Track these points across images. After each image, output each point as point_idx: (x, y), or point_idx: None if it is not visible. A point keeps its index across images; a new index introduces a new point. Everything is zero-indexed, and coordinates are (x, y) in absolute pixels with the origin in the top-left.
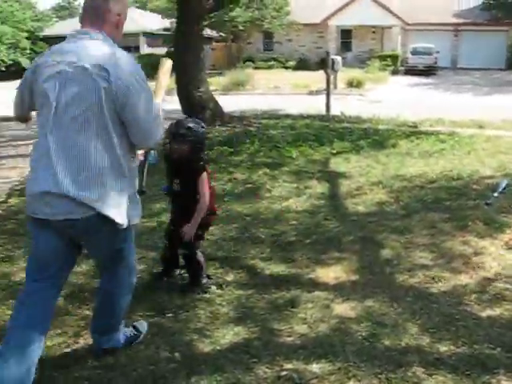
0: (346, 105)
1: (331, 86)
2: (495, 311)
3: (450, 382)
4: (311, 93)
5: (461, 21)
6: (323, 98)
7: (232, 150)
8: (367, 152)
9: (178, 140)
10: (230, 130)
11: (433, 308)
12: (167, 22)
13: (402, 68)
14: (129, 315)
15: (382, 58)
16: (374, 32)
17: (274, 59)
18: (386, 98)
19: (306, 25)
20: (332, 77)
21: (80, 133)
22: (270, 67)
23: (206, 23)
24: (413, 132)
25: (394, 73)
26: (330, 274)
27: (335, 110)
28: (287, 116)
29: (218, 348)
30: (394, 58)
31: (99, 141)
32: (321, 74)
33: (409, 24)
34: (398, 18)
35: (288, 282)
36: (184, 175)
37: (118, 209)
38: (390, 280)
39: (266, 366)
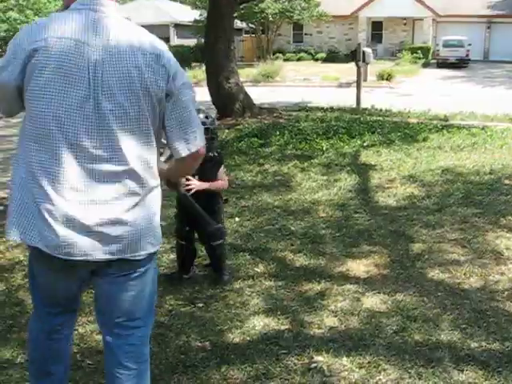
0: (377, 98)
1: (361, 79)
2: None
3: (481, 379)
4: (341, 85)
5: (494, 13)
6: (353, 90)
7: (262, 141)
8: (398, 145)
9: None
10: (259, 121)
11: (464, 304)
12: (197, 14)
13: (434, 60)
14: (160, 304)
15: (413, 50)
16: (405, 24)
17: (304, 51)
18: (416, 91)
19: (335, 16)
20: (362, 69)
21: None
22: (299, 59)
23: (235, 14)
24: (444, 126)
25: (426, 65)
26: (361, 267)
27: (365, 103)
28: (317, 108)
29: (248, 338)
30: (426, 50)
31: None
32: (351, 66)
33: (441, 16)
34: (430, 9)
35: (318, 274)
36: (203, 169)
37: None
38: (420, 274)
39: (296, 357)
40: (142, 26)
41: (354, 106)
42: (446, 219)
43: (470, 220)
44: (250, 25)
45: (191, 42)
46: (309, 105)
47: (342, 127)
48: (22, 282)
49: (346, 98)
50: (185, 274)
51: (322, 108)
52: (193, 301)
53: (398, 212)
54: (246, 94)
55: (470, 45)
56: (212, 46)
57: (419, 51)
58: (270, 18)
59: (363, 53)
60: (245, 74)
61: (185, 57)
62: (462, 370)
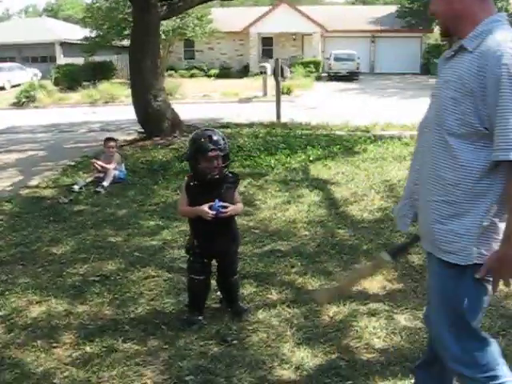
0: (284, 111)
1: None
2: None
3: None
4: (241, 100)
5: (377, 28)
6: (256, 105)
7: None
8: (342, 158)
9: (216, 156)
10: None
11: (494, 309)
12: (86, 32)
13: (325, 74)
14: (190, 347)
15: (305, 64)
16: (294, 39)
17: (196, 67)
18: (318, 104)
19: (227, 33)
20: (265, 84)
21: None
22: (192, 76)
23: (127, 32)
24: (379, 137)
25: (318, 79)
26: (374, 283)
27: (272, 117)
28: (241, 124)
29: (306, 373)
30: (317, 64)
31: None
32: (245, 81)
33: (328, 31)
34: (318, 24)
35: (338, 295)
36: (223, 192)
37: None
38: None
39: None
40: (26, 44)
41: (274, 120)
42: None
43: None
44: None
45: (79, 60)
46: (223, 120)
47: (280, 142)
48: None
49: (254, 113)
50: (199, 314)
51: (246, 124)
52: (224, 338)
53: (379, 224)
54: (173, 111)
55: (359, 58)
56: (138, 63)
57: (311, 65)
58: (163, 36)
59: (281, 68)
60: None
61: (75, 76)
62: None
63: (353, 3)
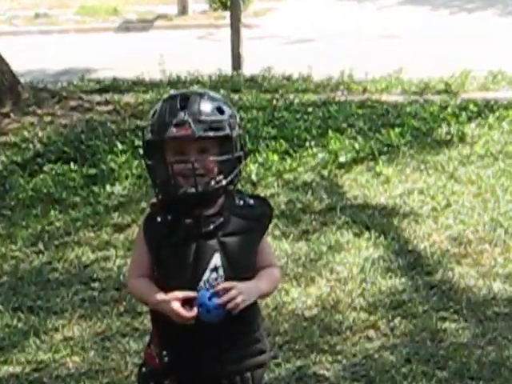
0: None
1: (177, 10)
2: None
3: None
4: (128, 26)
5: None
6: (165, 36)
7: (90, 170)
8: (412, 156)
9: (189, 137)
10: (49, 122)
11: None
12: None
13: None
14: None
15: None
16: None
17: None
18: (314, 32)
19: None
20: None
21: None
22: None
23: None
24: (476, 105)
25: None
26: None
27: (222, 64)
28: (153, 84)
29: None
30: None
31: None
32: None
33: None
34: None
35: None
36: (230, 241)
37: None
38: None
39: None
40: None
41: (228, 71)
42: None
43: None
44: None
45: None
46: (101, 74)
47: (261, 124)
48: None
49: (168, 53)
50: None
51: (164, 83)
52: None
53: None
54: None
55: None
56: None
57: None
58: None
59: None
60: None
61: None
62: None
63: None
